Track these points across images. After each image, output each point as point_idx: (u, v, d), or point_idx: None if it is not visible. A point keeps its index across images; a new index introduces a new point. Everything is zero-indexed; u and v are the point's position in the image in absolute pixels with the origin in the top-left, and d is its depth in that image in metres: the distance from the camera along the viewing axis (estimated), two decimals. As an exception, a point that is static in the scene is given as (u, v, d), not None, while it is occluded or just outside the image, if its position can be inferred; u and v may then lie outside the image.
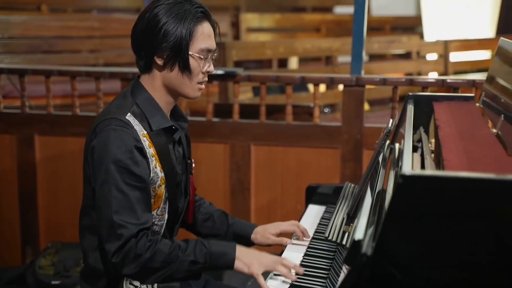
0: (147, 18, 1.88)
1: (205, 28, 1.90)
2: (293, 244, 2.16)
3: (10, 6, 5.74)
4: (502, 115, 1.87)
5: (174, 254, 1.80)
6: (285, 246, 2.14)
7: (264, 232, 2.20)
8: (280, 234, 2.20)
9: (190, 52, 1.88)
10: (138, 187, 1.81)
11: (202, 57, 1.90)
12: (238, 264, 1.84)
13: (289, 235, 2.23)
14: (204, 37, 1.90)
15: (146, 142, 1.88)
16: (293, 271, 1.86)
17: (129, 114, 1.88)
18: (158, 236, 1.87)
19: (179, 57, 1.87)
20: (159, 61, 1.89)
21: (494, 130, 1.89)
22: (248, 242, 2.22)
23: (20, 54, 4.77)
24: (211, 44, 1.93)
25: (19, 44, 4.85)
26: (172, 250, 1.80)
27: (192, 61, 1.89)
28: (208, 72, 1.95)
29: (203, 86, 1.96)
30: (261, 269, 1.83)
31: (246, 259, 1.85)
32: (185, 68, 1.89)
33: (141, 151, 1.84)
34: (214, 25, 1.96)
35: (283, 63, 6.39)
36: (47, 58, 4.94)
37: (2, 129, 3.63)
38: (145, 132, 1.89)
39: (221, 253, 1.84)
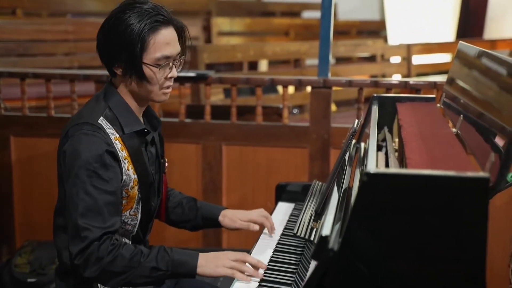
0: (108, 26, 1.84)
1: (160, 36, 1.83)
2: (263, 238, 2.17)
3: (-15, 10, 5.67)
4: (462, 115, 1.89)
5: (135, 260, 1.77)
6: (256, 241, 2.14)
7: (232, 216, 2.19)
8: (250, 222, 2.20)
9: (144, 62, 1.82)
10: (107, 191, 1.79)
11: (159, 66, 1.84)
12: (201, 271, 1.82)
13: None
14: (159, 45, 1.83)
15: (118, 145, 1.85)
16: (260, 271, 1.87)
17: (101, 118, 1.85)
18: (122, 241, 1.84)
19: (133, 69, 1.83)
20: (118, 72, 1.87)
21: (454, 130, 1.91)
22: (216, 224, 2.22)
23: (-5, 57, 4.71)
24: (170, 51, 1.85)
25: (-6, 47, 4.79)
26: (133, 256, 1.77)
27: (147, 71, 1.84)
28: (171, 77, 1.90)
29: (168, 90, 1.92)
30: (228, 270, 1.81)
31: (211, 263, 1.82)
32: (142, 78, 1.85)
33: (113, 154, 1.82)
34: (179, 29, 1.90)
35: (253, 65, 6.40)
36: (22, 61, 4.87)
37: (-22, 131, 3.57)
38: (118, 135, 1.86)
39: (182, 262, 1.81)
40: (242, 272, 1.82)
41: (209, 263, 1.82)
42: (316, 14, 7.50)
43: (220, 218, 2.20)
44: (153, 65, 1.83)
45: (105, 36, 1.85)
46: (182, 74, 1.91)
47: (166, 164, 2.14)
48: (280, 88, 5.51)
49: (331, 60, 3.60)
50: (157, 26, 1.82)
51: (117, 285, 1.80)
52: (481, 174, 1.29)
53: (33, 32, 5.13)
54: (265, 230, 2.21)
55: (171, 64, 1.88)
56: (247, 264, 1.85)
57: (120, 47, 1.81)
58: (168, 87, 1.91)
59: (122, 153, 1.86)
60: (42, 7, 6.06)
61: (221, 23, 6.76)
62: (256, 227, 2.16)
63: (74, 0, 6.33)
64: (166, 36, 1.84)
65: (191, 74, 3.38)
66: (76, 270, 1.83)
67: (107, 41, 1.84)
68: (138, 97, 1.92)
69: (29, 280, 3.13)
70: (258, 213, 2.21)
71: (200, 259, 1.82)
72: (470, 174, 1.29)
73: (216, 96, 4.86)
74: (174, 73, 1.91)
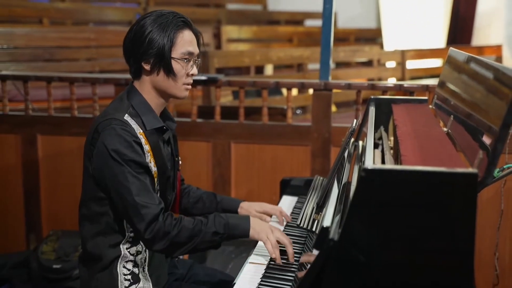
0: (135, 30, 1.89)
1: (185, 34, 1.90)
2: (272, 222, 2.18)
3: (15, 19, 5.67)
4: (452, 116, 1.89)
5: (197, 229, 1.82)
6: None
7: (248, 207, 2.21)
8: (263, 214, 2.21)
9: (172, 56, 1.88)
10: (145, 174, 1.82)
11: (185, 59, 1.90)
12: (251, 233, 1.88)
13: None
14: (184, 42, 1.89)
15: (142, 139, 1.87)
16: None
17: (126, 115, 1.87)
18: (182, 215, 1.88)
19: (162, 61, 1.87)
20: (146, 67, 1.89)
21: (445, 129, 1.91)
22: None
23: (24, 62, 4.71)
24: (193, 48, 1.92)
25: (23, 53, 4.79)
26: (195, 225, 1.82)
27: (175, 64, 1.88)
28: (192, 74, 1.94)
29: (189, 86, 1.95)
30: (265, 238, 1.87)
31: (258, 227, 1.89)
32: (170, 71, 1.88)
33: (140, 146, 1.85)
34: (196, 34, 1.95)
35: (259, 70, 6.38)
36: (48, 65, 4.88)
37: (8, 130, 3.58)
38: (141, 131, 1.89)
39: (237, 224, 1.87)
40: (272, 248, 1.86)
41: (256, 227, 1.89)
42: (317, 23, 7.49)
43: (239, 210, 2.22)
44: (180, 59, 1.88)
45: (136, 34, 1.88)
46: (194, 77, 1.93)
47: (180, 162, 2.14)
48: (284, 91, 5.51)
49: (331, 64, 3.59)
50: (183, 25, 1.90)
51: (182, 254, 1.84)
52: (470, 170, 1.29)
53: (58, 39, 5.14)
54: (274, 218, 2.21)
55: (192, 62, 1.93)
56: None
57: (151, 43, 1.85)
58: (189, 84, 1.95)
59: (146, 146, 1.88)
60: (67, 16, 6.07)
61: (230, 30, 6.75)
62: (268, 219, 2.18)
63: (96, 10, 6.35)
64: (188, 36, 1.92)
65: (203, 77, 3.39)
66: (104, 255, 1.85)
67: (138, 38, 1.87)
68: (161, 93, 1.94)
69: (54, 266, 3.15)
70: (272, 206, 2.23)
71: (251, 222, 1.89)
72: (460, 170, 1.28)
73: (225, 98, 4.86)
74: (195, 70, 1.95)
